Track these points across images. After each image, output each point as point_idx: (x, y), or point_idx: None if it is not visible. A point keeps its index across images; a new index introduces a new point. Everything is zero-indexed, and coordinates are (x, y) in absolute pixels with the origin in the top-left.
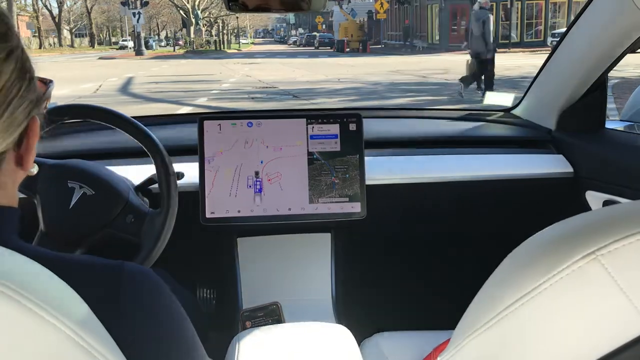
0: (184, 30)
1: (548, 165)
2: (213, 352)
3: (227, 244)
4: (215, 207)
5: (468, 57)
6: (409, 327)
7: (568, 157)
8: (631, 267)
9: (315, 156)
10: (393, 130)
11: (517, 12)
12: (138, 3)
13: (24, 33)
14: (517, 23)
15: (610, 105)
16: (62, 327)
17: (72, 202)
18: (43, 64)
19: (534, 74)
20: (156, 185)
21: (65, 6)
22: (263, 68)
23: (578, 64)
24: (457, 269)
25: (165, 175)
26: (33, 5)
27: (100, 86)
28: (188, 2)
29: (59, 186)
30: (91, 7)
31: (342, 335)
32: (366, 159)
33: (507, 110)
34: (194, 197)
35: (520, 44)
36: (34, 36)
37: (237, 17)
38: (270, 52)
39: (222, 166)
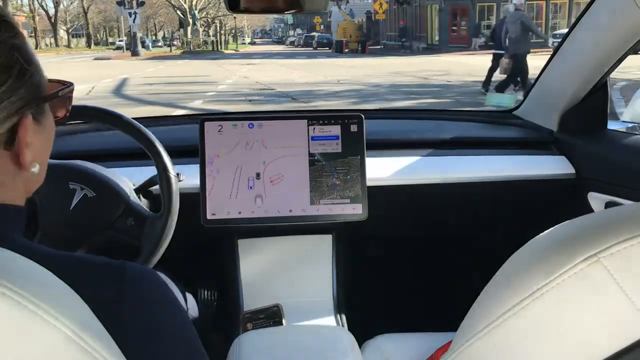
0: (182, 30)
1: (550, 166)
2: (214, 354)
3: (228, 245)
4: (216, 208)
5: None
6: (410, 329)
7: (570, 159)
8: (634, 269)
9: (316, 157)
10: (394, 132)
11: None
12: (134, 3)
13: None
14: None
15: (621, 109)
16: (62, 327)
17: (73, 204)
18: None
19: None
20: (157, 187)
21: (61, 6)
22: (261, 69)
23: (580, 65)
24: (458, 271)
25: (166, 177)
26: (29, 5)
27: (93, 87)
28: (185, 2)
29: (60, 187)
30: (88, 7)
31: (344, 337)
32: (367, 160)
33: (509, 112)
34: (195, 199)
35: None
36: (30, 36)
37: (235, 18)
38: (268, 53)
39: (223, 167)
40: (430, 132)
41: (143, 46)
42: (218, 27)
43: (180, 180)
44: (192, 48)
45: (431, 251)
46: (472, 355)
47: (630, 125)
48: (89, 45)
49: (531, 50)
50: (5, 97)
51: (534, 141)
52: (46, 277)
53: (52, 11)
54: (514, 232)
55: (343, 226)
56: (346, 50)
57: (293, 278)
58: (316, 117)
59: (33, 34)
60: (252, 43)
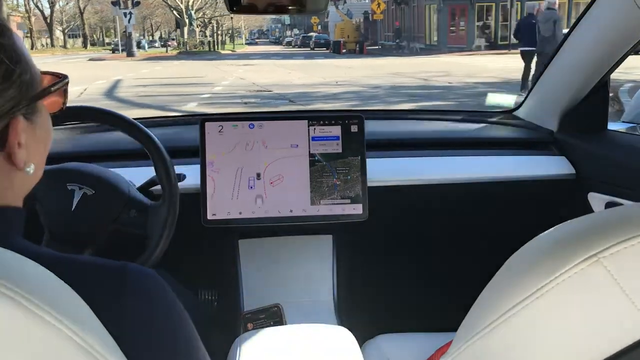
0: (178, 30)
1: (550, 166)
2: (215, 354)
3: (229, 245)
4: (217, 209)
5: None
6: (411, 329)
7: (570, 159)
8: (634, 269)
9: (316, 158)
10: (395, 132)
11: (517, 13)
12: (129, 3)
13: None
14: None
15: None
16: (62, 327)
17: (74, 204)
18: None
19: None
20: (158, 187)
21: (57, 6)
22: (258, 70)
23: (580, 66)
24: (459, 271)
25: (163, 165)
26: (25, 5)
27: (85, 89)
28: (182, 3)
29: (58, 190)
30: (84, 8)
31: (344, 337)
32: (368, 160)
33: (509, 112)
34: (195, 199)
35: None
36: (26, 37)
37: (232, 18)
38: (265, 53)
39: (223, 168)
40: (431, 132)
41: (139, 47)
42: (215, 28)
43: (181, 181)
44: (188, 48)
45: (431, 251)
46: (472, 355)
47: (630, 125)
48: (85, 46)
49: (498, 52)
50: None
51: (534, 141)
52: (47, 278)
53: (47, 11)
54: (514, 232)
55: (343, 226)
56: (344, 50)
57: (293, 278)
58: (316, 118)
59: (29, 35)
60: (254, 43)
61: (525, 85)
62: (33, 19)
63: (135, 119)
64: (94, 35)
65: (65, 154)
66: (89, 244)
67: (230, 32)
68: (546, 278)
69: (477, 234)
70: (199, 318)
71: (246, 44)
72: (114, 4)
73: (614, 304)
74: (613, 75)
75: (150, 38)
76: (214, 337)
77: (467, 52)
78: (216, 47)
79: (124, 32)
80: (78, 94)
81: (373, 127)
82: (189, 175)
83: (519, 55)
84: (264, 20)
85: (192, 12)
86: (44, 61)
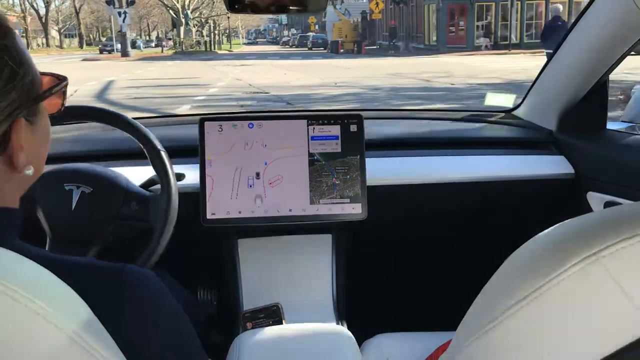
0: (175, 30)
1: (549, 166)
2: (214, 354)
3: (228, 245)
4: (216, 208)
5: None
6: (410, 329)
7: (569, 158)
8: (633, 268)
9: (316, 157)
10: (394, 132)
11: (517, 12)
12: (124, 2)
13: None
14: (516, 23)
15: None
16: (63, 327)
17: (74, 204)
18: None
19: None
20: (157, 187)
21: (53, 6)
22: (254, 70)
23: (579, 65)
24: (458, 270)
25: (162, 164)
26: (20, 5)
27: (75, 91)
28: (178, 2)
29: (57, 191)
30: (79, 7)
31: (343, 336)
32: (367, 160)
33: (508, 112)
34: (195, 199)
35: (520, 45)
36: (22, 37)
37: (229, 18)
38: (262, 53)
39: (222, 167)
40: (429, 132)
41: (134, 46)
42: (212, 27)
43: (180, 180)
44: (184, 48)
45: (430, 250)
46: (472, 354)
47: (629, 125)
48: (81, 46)
49: (532, 51)
50: None
51: (533, 141)
52: (48, 279)
53: (43, 11)
54: (513, 231)
55: (343, 226)
56: (342, 50)
57: (293, 277)
58: (316, 117)
59: (24, 34)
60: (254, 43)
61: None
62: (29, 18)
63: (134, 118)
64: (90, 35)
65: (63, 154)
66: (93, 243)
67: (227, 32)
68: (545, 277)
69: (476, 233)
70: (198, 317)
71: (246, 44)
72: (108, 3)
73: (613, 303)
74: (623, 77)
75: (147, 38)
76: (213, 336)
77: (466, 52)
78: (213, 47)
79: (119, 31)
80: (67, 95)
81: (372, 126)
82: (189, 174)
83: (520, 55)
84: (261, 20)
85: (189, 12)
86: (38, 61)
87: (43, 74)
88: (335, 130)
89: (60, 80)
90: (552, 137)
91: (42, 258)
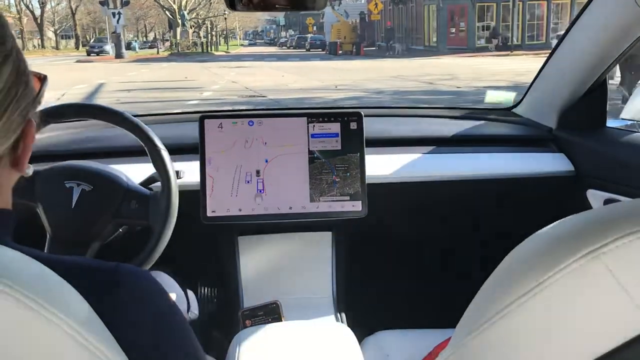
0: (172, 32)
1: (549, 163)
2: (214, 351)
3: (228, 242)
4: (216, 205)
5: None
6: (410, 326)
7: (569, 156)
8: (633, 265)
9: (316, 155)
10: (394, 129)
11: (519, 13)
12: (118, 2)
13: None
14: (518, 24)
15: None
16: (63, 324)
17: (74, 201)
18: None
19: None
20: (157, 184)
21: (49, 7)
22: (251, 72)
23: (579, 62)
24: (458, 267)
25: (162, 162)
26: (16, 6)
27: (63, 95)
28: (174, 3)
29: (57, 189)
30: (76, 8)
31: (343, 333)
32: (367, 157)
33: (508, 109)
34: (195, 196)
35: (522, 47)
36: (17, 38)
37: (225, 19)
38: (259, 55)
39: (222, 165)
40: (429, 129)
41: (129, 48)
42: (209, 28)
43: (180, 178)
44: (180, 50)
45: (430, 247)
46: (471, 351)
47: (629, 122)
48: (77, 47)
49: (534, 53)
50: (18, 107)
51: (533, 138)
52: (47, 276)
53: (38, 12)
54: (513, 229)
55: (343, 223)
56: (340, 52)
57: (293, 275)
58: (316, 115)
59: (20, 36)
60: (254, 44)
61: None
62: (25, 19)
63: (134, 116)
64: (87, 36)
65: (64, 151)
66: (92, 241)
67: (224, 33)
68: (545, 274)
69: (476, 230)
70: (198, 315)
71: (245, 45)
72: (102, 3)
73: (613, 299)
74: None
75: (144, 39)
76: (212, 334)
77: (467, 53)
78: (210, 48)
79: (113, 32)
80: (54, 99)
81: (372, 124)
82: (189, 172)
83: (522, 57)
84: (258, 22)
85: (185, 13)
86: (32, 62)
87: None
88: (335, 127)
89: (42, 79)
90: (552, 135)
91: (35, 258)
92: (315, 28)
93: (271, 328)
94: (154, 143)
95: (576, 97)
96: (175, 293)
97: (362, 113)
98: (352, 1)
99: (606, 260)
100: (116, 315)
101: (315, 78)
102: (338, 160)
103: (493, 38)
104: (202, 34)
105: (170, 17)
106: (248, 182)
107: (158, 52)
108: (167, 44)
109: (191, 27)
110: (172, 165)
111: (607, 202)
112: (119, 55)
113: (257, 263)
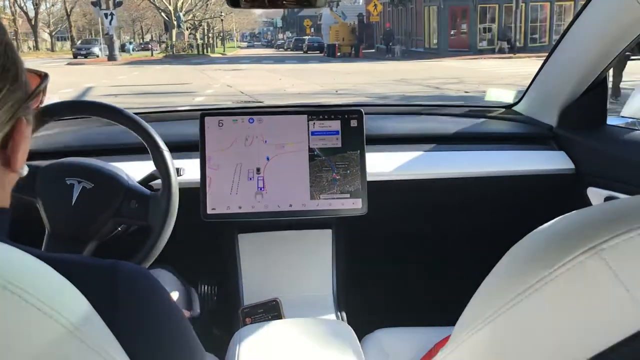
0: (168, 33)
1: (549, 161)
2: (214, 349)
3: (228, 240)
4: (217, 203)
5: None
6: (410, 323)
7: (569, 154)
8: (633, 261)
9: (316, 152)
10: (394, 127)
11: (522, 15)
12: (110, 3)
13: None
14: (520, 26)
15: None
16: (62, 321)
17: (74, 198)
18: None
19: None
20: (157, 182)
21: (44, 8)
22: (247, 75)
23: (579, 61)
24: (458, 265)
25: (163, 159)
26: (10, 7)
27: (48, 99)
28: (170, 4)
29: (58, 185)
30: (71, 10)
31: (343, 331)
32: (367, 155)
33: (508, 107)
34: (195, 194)
35: (525, 49)
36: (12, 39)
37: (222, 20)
38: (256, 57)
39: (223, 162)
40: (430, 127)
41: (123, 50)
42: (205, 30)
43: (180, 175)
44: (175, 51)
45: (430, 245)
46: (471, 348)
47: (629, 120)
48: (72, 49)
49: (537, 55)
50: (2, 105)
51: (534, 136)
52: (46, 272)
53: (32, 14)
54: (513, 226)
55: (343, 221)
56: (339, 54)
57: (293, 272)
58: (316, 112)
59: (15, 37)
60: (252, 46)
61: (616, 92)
62: (19, 21)
63: (135, 113)
64: (83, 38)
65: (64, 149)
66: (91, 239)
67: (221, 35)
68: (545, 270)
69: (476, 228)
70: (199, 312)
71: (243, 47)
72: (94, 4)
73: (613, 296)
74: None
75: (141, 41)
76: (213, 331)
77: (469, 55)
78: (206, 50)
79: (105, 34)
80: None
81: (372, 121)
82: (189, 169)
83: (525, 59)
84: (255, 23)
85: (181, 14)
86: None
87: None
88: (336, 125)
89: (43, 77)
90: (553, 133)
91: (35, 256)
92: (313, 30)
93: (271, 325)
94: (155, 141)
95: (576, 95)
96: (178, 290)
97: (363, 111)
98: (350, 3)
99: (606, 257)
100: (116, 313)
101: (314, 81)
102: (338, 157)
103: (502, 40)
104: (198, 35)
105: (166, 18)
106: (250, 179)
107: (152, 54)
108: (163, 45)
109: (187, 29)
110: (172, 164)
111: (608, 199)
112: (111, 57)
113: (257, 261)
